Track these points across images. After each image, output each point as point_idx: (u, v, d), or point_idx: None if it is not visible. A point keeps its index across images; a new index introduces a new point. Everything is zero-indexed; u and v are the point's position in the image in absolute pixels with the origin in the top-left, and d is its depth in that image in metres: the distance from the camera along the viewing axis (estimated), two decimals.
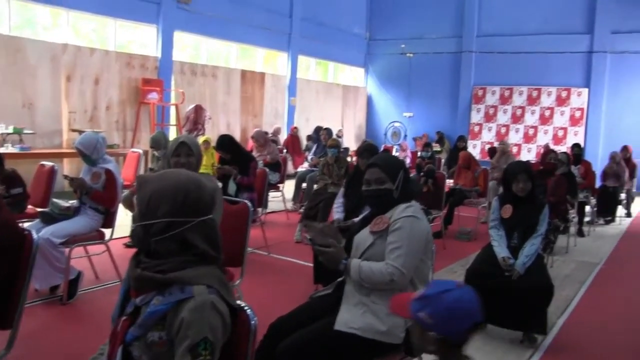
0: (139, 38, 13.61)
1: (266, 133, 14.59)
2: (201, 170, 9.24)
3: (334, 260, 2.91)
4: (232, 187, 6.77)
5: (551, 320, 5.06)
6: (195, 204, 1.95)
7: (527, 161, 7.09)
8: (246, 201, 4.37)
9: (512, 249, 4.63)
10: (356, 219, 4.26)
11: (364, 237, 2.97)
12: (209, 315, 1.84)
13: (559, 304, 5.64)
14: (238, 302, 2.08)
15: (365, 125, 21.51)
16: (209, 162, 9.65)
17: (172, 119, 13.61)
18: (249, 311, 2.04)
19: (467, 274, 4.67)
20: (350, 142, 19.44)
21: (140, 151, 9.02)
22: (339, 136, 16.94)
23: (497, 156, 10.81)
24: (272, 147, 9.71)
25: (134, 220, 2.08)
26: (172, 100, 13.54)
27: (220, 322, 1.88)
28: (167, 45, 13.41)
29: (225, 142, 6.98)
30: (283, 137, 15.97)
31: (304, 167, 12.84)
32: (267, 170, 8.39)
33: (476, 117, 18.99)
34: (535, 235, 4.64)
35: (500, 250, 4.58)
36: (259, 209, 7.26)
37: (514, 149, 17.88)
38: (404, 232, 2.83)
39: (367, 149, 6.09)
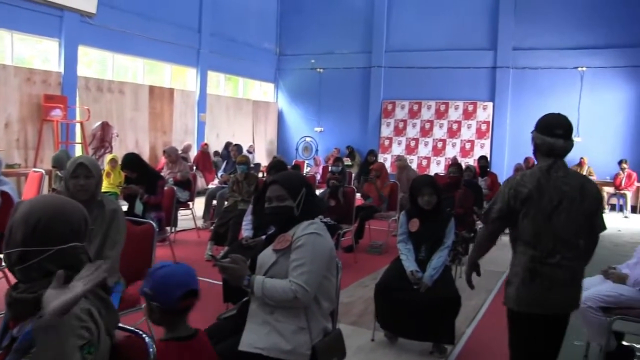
0: (41, 53, 13.16)
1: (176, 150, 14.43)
2: (109, 190, 9.03)
3: (237, 277, 2.86)
4: (138, 207, 6.60)
5: (460, 329, 5.18)
6: (47, 232, 1.87)
7: (431, 175, 7.21)
8: (151, 221, 4.28)
9: (420, 262, 4.71)
10: (264, 237, 4.23)
11: (267, 256, 2.94)
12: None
13: (468, 314, 5.77)
14: (137, 329, 2.00)
15: (276, 140, 21.50)
16: (116, 181, 9.38)
17: (78, 137, 13.19)
18: (147, 339, 1.97)
19: (377, 287, 4.70)
20: (262, 158, 19.38)
21: (43, 171, 8.64)
22: (249, 152, 16.93)
23: (398, 173, 10.95)
24: (182, 164, 9.55)
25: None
26: (77, 118, 13.12)
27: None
28: (70, 60, 13.00)
29: (131, 161, 6.79)
30: (193, 153, 15.74)
31: (214, 184, 12.70)
32: (176, 188, 8.28)
33: (386, 131, 19.30)
34: (442, 248, 4.74)
35: (409, 264, 4.64)
36: (167, 228, 7.09)
37: (423, 162, 18.30)
38: (307, 249, 2.81)
39: (275, 166, 6.08)
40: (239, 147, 11.95)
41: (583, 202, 3.17)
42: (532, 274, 3.22)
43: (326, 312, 2.99)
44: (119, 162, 8.86)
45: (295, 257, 2.82)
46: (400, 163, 11.02)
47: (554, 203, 3.15)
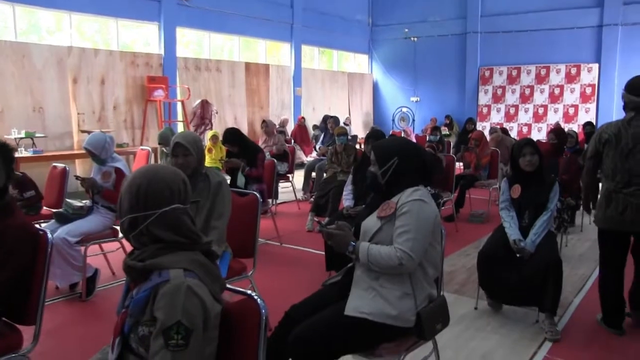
0: (142, 36, 13.64)
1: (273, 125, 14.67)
2: (211, 165, 9.31)
3: (342, 243, 2.90)
4: (240, 180, 6.77)
5: (567, 299, 5.08)
6: (148, 197, 1.97)
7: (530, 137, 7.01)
8: (255, 192, 4.37)
9: (523, 228, 4.60)
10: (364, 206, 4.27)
11: (371, 223, 2.95)
12: (184, 298, 1.82)
13: (575, 283, 5.64)
14: (249, 291, 2.08)
15: (372, 111, 21.47)
16: (217, 155, 9.66)
17: (179, 115, 13.63)
18: (258, 300, 2.04)
19: (480, 256, 4.64)
20: (358, 130, 19.40)
21: (149, 148, 9.03)
22: (346, 124, 16.93)
23: (495, 145, 10.61)
24: (277, 138, 9.71)
25: None
26: (178, 97, 13.56)
27: (200, 307, 1.86)
28: (170, 42, 13.43)
29: (231, 135, 6.97)
30: (291, 127, 15.95)
31: (312, 156, 12.84)
32: (275, 161, 8.44)
33: (484, 98, 18.89)
34: (545, 213, 4.60)
35: (512, 232, 4.55)
36: (269, 200, 7.25)
37: (524, 129, 17.80)
38: (411, 216, 2.80)
39: (373, 135, 6.09)
40: (336, 120, 11.99)
41: None
42: (608, 201, 4.26)
43: (431, 279, 2.99)
44: (220, 137, 9.12)
45: (400, 223, 2.82)
46: (496, 135, 10.72)
47: (630, 146, 4.12)
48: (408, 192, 2.88)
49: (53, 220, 5.24)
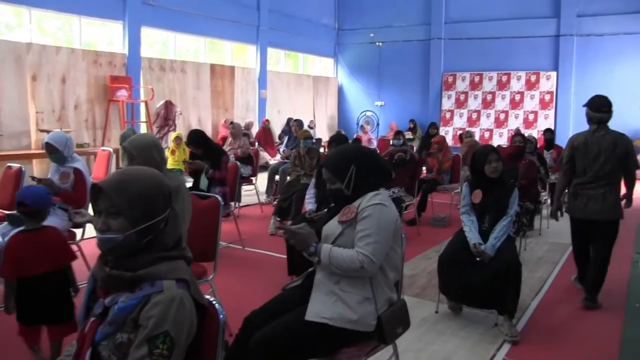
0: (106, 35, 13.47)
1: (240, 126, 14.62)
2: (174, 166, 9.22)
3: (304, 243, 2.89)
4: (204, 182, 6.74)
5: (525, 302, 5.14)
6: (157, 202, 1.99)
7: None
8: (216, 195, 4.35)
9: (483, 233, 4.66)
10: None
11: (332, 227, 2.96)
12: (175, 310, 1.81)
13: (533, 286, 5.73)
14: (207, 296, 2.07)
15: (337, 115, 21.51)
16: (181, 157, 9.58)
17: (143, 116, 13.49)
18: (217, 306, 2.03)
19: (440, 259, 4.70)
20: (323, 133, 19.42)
21: (111, 149, 8.90)
22: (310, 127, 16.95)
23: (467, 151, 10.74)
24: (242, 140, 9.67)
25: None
26: (142, 97, 13.42)
27: (188, 322, 1.86)
28: (134, 41, 13.27)
29: (196, 137, 6.92)
30: (255, 130, 15.90)
31: (276, 159, 12.82)
32: (239, 163, 8.40)
33: (447, 103, 19.08)
34: (505, 217, 4.68)
35: (472, 236, 4.61)
36: (232, 203, 7.21)
37: (486, 134, 18.03)
38: (372, 220, 2.82)
39: (336, 139, 6.11)
40: (299, 123, 12.02)
41: (615, 151, 5.11)
42: (575, 196, 5.36)
43: (391, 282, 3.01)
44: (183, 139, 9.06)
45: (361, 227, 2.83)
46: (470, 140, 10.85)
47: (595, 152, 5.16)
48: (369, 196, 2.90)
49: (6, 223, 5.09)
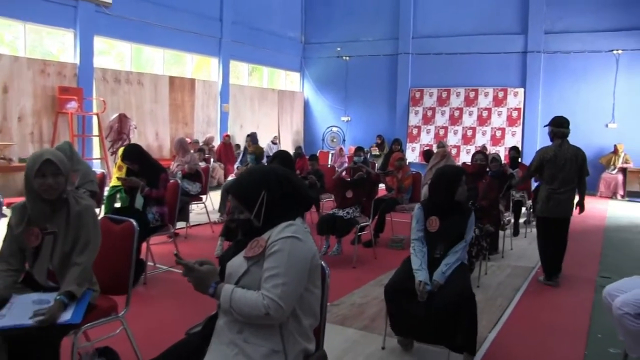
0: (56, 44, 12.89)
1: (197, 142, 14.10)
2: (117, 184, 8.66)
3: (202, 282, 2.41)
4: (139, 201, 6.18)
5: (482, 334, 4.66)
6: None
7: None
8: (131, 220, 3.82)
9: (435, 260, 4.20)
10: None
11: (237, 264, 2.46)
12: None
13: (491, 316, 5.27)
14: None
15: (303, 130, 21.06)
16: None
17: (95, 129, 12.89)
18: None
19: (386, 289, 4.19)
20: (288, 149, 18.89)
21: None
22: (274, 143, 16.53)
23: (436, 160, 10.36)
24: (190, 156, 9.10)
25: None
26: (94, 110, 12.82)
27: None
28: (86, 51, 12.71)
29: (131, 152, 6.34)
30: (217, 145, 15.38)
31: (232, 176, 12.32)
32: (186, 181, 7.95)
33: (414, 119, 18.74)
34: (459, 243, 4.24)
35: (420, 273, 4.11)
36: (170, 225, 6.64)
37: (453, 151, 17.70)
38: (282, 257, 2.32)
39: (278, 156, 5.62)
40: (252, 137, 11.52)
41: (576, 161, 6.43)
42: (548, 199, 6.46)
43: (307, 330, 2.49)
44: None
45: (269, 265, 2.34)
46: (443, 150, 10.44)
47: (562, 162, 6.39)
48: (280, 227, 2.40)
49: None
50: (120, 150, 9.96)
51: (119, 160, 9.31)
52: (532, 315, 5.43)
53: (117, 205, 7.69)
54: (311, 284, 2.45)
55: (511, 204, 8.17)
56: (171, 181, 6.79)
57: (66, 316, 3.07)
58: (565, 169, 6.37)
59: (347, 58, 19.87)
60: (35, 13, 11.74)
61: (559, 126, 6.51)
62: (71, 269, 3.26)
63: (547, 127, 6.65)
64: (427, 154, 11.68)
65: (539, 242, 6.73)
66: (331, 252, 7.33)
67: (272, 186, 2.48)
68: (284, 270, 2.30)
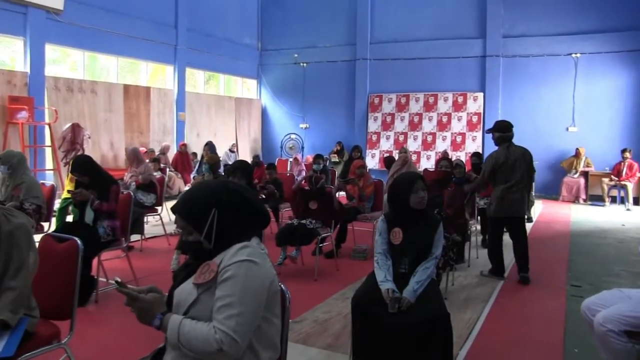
0: (5, 52, 12.41)
1: (152, 151, 13.72)
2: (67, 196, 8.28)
3: (147, 313, 2.18)
4: (89, 215, 5.84)
5: (454, 351, 4.44)
6: None
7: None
8: (74, 238, 3.52)
9: (401, 275, 3.97)
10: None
11: (186, 292, 2.20)
12: None
13: (461, 331, 5.05)
14: None
15: (261, 138, 20.75)
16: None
17: (47, 140, 12.43)
18: None
19: (353, 302, 3.92)
20: (246, 157, 18.59)
21: None
22: (232, 151, 16.23)
23: (398, 166, 10.22)
24: (144, 166, 8.73)
25: None
26: (46, 119, 12.37)
27: None
28: (37, 59, 12.27)
29: (82, 164, 5.98)
30: (172, 154, 14.99)
31: (189, 186, 11.98)
32: (140, 192, 7.66)
33: (373, 125, 18.58)
34: (429, 259, 4.00)
35: (385, 283, 3.88)
36: (123, 239, 6.30)
37: (413, 157, 17.58)
38: (236, 284, 2.07)
39: (240, 167, 5.33)
40: (210, 146, 11.19)
41: (524, 161, 6.75)
42: (502, 199, 6.68)
43: None
44: None
45: (221, 293, 2.08)
46: (404, 156, 10.29)
47: (512, 164, 6.67)
48: (233, 250, 2.15)
49: None
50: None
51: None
52: (503, 329, 5.23)
53: (69, 218, 7.32)
54: (270, 313, 2.20)
55: (476, 211, 7.99)
56: (123, 193, 6.45)
57: None
58: (516, 170, 6.68)
59: (305, 64, 19.66)
60: None
61: (505, 131, 6.84)
62: (3, 294, 2.96)
63: (490, 133, 7.07)
64: (387, 161, 11.51)
65: (492, 242, 6.99)
66: (291, 254, 6.91)
67: (223, 203, 2.23)
68: (238, 299, 2.06)
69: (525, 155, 6.80)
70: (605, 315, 3.46)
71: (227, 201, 2.23)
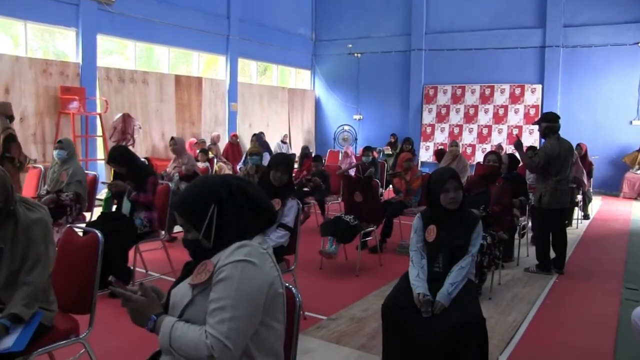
0: (58, 43, 12.57)
1: (203, 141, 13.73)
2: None
3: (141, 314, 2.03)
4: (126, 206, 5.78)
5: (492, 355, 4.19)
6: None
7: (451, 167, 6.22)
8: (96, 231, 3.40)
9: (435, 274, 3.75)
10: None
11: (182, 292, 2.05)
12: None
13: (504, 334, 4.79)
14: None
15: (314, 129, 20.62)
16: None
17: (98, 130, 12.55)
18: None
19: (383, 309, 3.74)
20: (299, 148, 18.39)
21: (41, 167, 8.01)
22: (284, 142, 16.11)
23: (448, 160, 9.96)
24: (188, 157, 8.66)
25: None
26: (98, 110, 12.48)
27: None
28: (89, 50, 12.40)
29: (117, 155, 5.94)
30: (223, 144, 14.98)
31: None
32: (182, 183, 7.60)
33: (428, 117, 18.25)
34: (464, 258, 3.76)
35: (418, 284, 3.67)
36: (162, 232, 6.23)
37: (468, 150, 17.18)
38: (230, 286, 1.89)
39: (281, 162, 5.14)
40: (258, 137, 11.06)
41: (571, 155, 6.98)
42: (555, 191, 6.72)
43: None
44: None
45: (215, 296, 1.91)
46: (454, 149, 10.03)
47: (564, 157, 6.73)
48: (230, 249, 1.97)
49: None
50: None
51: None
52: (549, 334, 4.94)
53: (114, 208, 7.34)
54: (269, 317, 2.01)
55: (527, 209, 7.63)
56: (162, 184, 6.38)
57: (7, 343, 2.72)
58: (567, 163, 6.80)
59: (359, 55, 19.43)
60: (36, 12, 11.47)
61: (553, 121, 6.82)
62: (19, 288, 2.89)
63: (538, 124, 7.18)
64: (439, 154, 11.25)
65: (543, 234, 7.01)
66: (327, 249, 6.56)
67: (223, 199, 2.05)
68: (232, 302, 1.88)
69: (572, 150, 7.03)
70: None
71: (228, 197, 2.06)
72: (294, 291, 2.29)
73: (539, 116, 16.16)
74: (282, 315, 2.09)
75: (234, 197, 2.07)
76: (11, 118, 7.88)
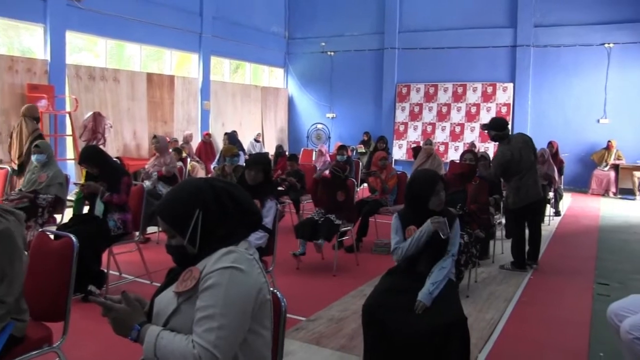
0: (24, 39, 12.32)
1: (175, 140, 13.57)
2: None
3: (123, 324, 1.96)
4: (99, 207, 5.66)
5: (472, 354, 4.15)
6: None
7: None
8: (71, 235, 3.30)
9: (418, 276, 3.73)
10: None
11: (166, 300, 1.99)
12: None
13: (482, 332, 4.79)
14: None
15: (287, 128, 20.54)
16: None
17: (68, 129, 12.33)
18: None
19: (364, 309, 3.70)
20: (272, 147, 18.38)
21: (8, 167, 7.83)
22: (257, 141, 16.01)
23: (422, 159, 9.96)
24: (169, 157, 8.52)
25: None
26: (67, 108, 12.27)
27: None
28: (57, 47, 12.15)
29: (91, 154, 5.81)
30: (196, 143, 14.83)
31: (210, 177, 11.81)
32: (161, 183, 7.51)
33: (401, 115, 18.28)
34: (445, 258, 3.75)
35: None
36: (136, 233, 6.13)
37: (441, 148, 17.25)
38: (217, 293, 1.84)
39: (257, 162, 5.10)
40: (230, 136, 10.96)
41: (527, 148, 6.85)
42: (518, 189, 6.76)
43: None
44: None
45: (202, 304, 1.85)
46: (429, 148, 10.04)
47: (518, 155, 6.71)
48: (217, 255, 1.91)
49: None
50: None
51: None
52: (526, 331, 4.95)
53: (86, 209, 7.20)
54: (257, 325, 1.96)
55: (501, 205, 7.66)
56: (136, 184, 6.27)
57: None
58: (523, 160, 6.75)
59: (332, 53, 19.40)
60: (2, 6, 11.16)
61: (500, 129, 6.86)
62: None
63: (485, 130, 7.16)
64: (415, 151, 11.26)
65: (515, 234, 7.04)
66: (317, 241, 6.57)
67: (208, 203, 1.99)
68: (220, 310, 1.82)
69: (527, 142, 6.91)
70: (633, 322, 3.18)
71: (213, 201, 2.00)
72: (279, 296, 2.24)
73: (511, 114, 16.48)
74: (270, 322, 2.04)
75: (220, 200, 2.01)
76: (37, 120, 7.85)
